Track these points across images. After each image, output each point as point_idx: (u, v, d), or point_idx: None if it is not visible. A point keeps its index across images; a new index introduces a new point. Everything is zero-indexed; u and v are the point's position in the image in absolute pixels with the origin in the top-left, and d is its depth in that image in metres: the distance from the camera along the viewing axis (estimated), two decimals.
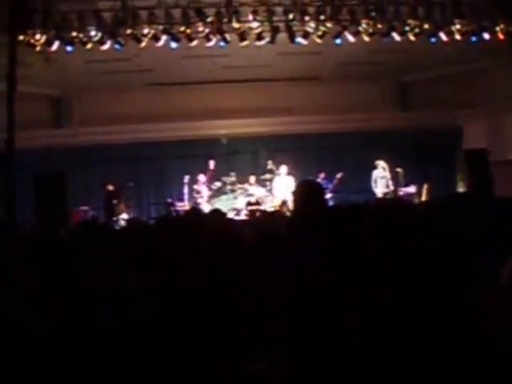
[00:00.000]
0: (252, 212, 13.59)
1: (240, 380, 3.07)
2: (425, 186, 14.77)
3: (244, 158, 17.13)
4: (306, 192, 3.86)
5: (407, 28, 12.90)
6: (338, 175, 14.70)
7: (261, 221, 5.14)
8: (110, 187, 14.35)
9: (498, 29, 13.20)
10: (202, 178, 14.86)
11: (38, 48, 11.98)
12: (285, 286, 3.18)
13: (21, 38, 11.68)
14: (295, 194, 3.94)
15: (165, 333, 3.08)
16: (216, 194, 15.17)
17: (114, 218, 13.54)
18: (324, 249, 3.19)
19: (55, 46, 12.10)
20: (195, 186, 14.77)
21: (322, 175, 14.32)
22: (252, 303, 3.28)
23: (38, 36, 11.85)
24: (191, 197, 14.78)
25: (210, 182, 14.90)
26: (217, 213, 4.97)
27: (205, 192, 14.70)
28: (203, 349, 3.08)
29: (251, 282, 3.48)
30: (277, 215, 6.09)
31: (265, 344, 3.09)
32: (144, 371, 2.94)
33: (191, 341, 3.09)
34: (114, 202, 14.04)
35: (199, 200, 14.53)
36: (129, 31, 12.12)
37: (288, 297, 3.11)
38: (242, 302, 3.29)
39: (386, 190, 14.76)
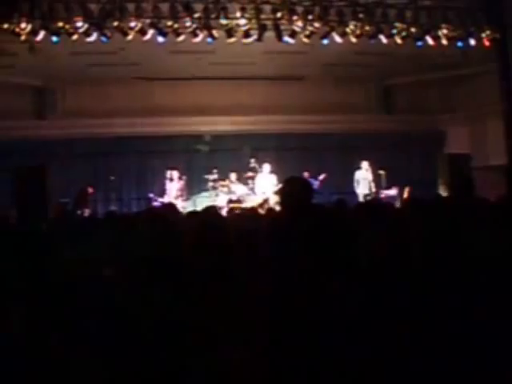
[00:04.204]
0: (233, 210, 13.53)
1: (216, 368, 3.06)
2: (406, 189, 14.82)
3: (227, 156, 17.10)
4: (296, 188, 3.85)
5: (394, 31, 12.98)
6: (321, 177, 14.69)
7: (239, 219, 5.11)
8: (90, 190, 14.24)
9: (483, 35, 13.32)
10: (174, 174, 14.80)
11: (22, 37, 11.80)
12: (264, 282, 3.18)
13: (5, 26, 11.54)
14: (284, 188, 3.92)
15: (142, 321, 3.06)
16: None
17: (79, 212, 13.48)
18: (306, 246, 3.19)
19: (41, 35, 11.96)
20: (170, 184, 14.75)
21: (306, 174, 14.27)
22: (231, 296, 3.28)
23: (23, 25, 11.65)
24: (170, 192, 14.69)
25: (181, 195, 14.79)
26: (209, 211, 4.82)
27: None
28: (184, 337, 3.07)
29: (231, 277, 3.47)
30: (252, 213, 6.05)
31: (242, 334, 3.09)
32: (121, 360, 2.93)
33: (171, 329, 3.08)
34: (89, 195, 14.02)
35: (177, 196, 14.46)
36: (115, 24, 12.02)
37: (267, 291, 3.10)
38: (221, 295, 3.28)
39: (367, 192, 14.81)
